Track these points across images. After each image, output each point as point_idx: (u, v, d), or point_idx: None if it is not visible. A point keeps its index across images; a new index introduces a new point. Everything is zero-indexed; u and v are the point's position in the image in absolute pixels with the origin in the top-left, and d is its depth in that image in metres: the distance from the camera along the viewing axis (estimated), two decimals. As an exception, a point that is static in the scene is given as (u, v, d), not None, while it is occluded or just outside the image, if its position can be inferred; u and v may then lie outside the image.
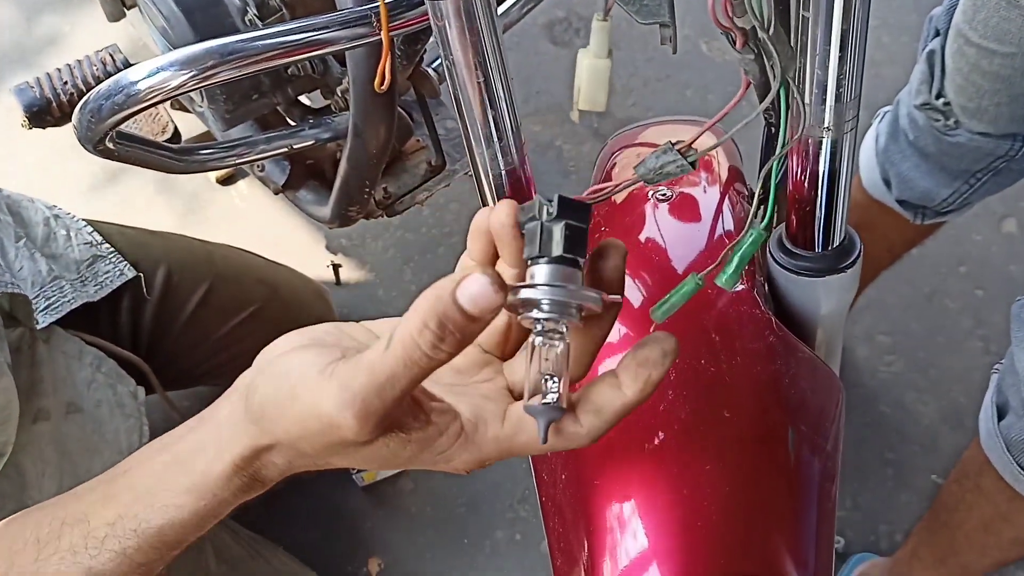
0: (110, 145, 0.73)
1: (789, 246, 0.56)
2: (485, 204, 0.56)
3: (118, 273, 1.03)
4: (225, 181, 1.80)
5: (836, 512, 0.52)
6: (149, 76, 0.63)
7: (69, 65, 1.15)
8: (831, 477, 0.51)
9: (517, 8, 0.98)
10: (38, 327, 0.92)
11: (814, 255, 0.55)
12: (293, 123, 1.10)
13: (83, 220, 1.07)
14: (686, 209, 0.62)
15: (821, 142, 0.50)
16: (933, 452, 1.33)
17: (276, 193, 1.14)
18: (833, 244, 0.55)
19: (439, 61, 1.05)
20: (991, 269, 1.51)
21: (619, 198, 0.66)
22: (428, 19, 0.47)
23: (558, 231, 0.36)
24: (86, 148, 0.71)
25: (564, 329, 0.37)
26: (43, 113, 1.15)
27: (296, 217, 1.71)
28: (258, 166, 1.14)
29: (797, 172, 0.52)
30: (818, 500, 0.49)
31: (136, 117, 1.18)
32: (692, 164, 0.42)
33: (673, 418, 0.48)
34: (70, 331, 0.96)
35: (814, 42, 0.45)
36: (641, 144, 0.73)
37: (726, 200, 0.64)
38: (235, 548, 1.11)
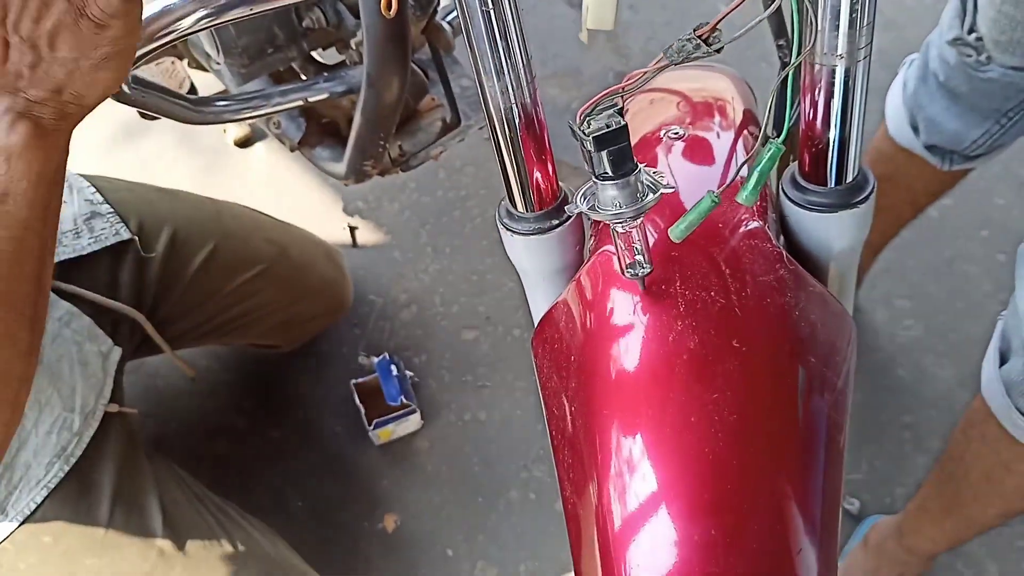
0: (126, 89, 0.73)
1: (802, 182, 0.56)
2: (496, 144, 0.56)
3: (113, 232, 1.04)
4: (243, 144, 1.80)
5: (845, 450, 0.52)
6: (160, 16, 0.63)
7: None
8: (842, 412, 0.51)
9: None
10: None
11: (827, 190, 0.54)
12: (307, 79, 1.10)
13: (84, 179, 1.08)
14: (699, 147, 0.62)
15: (834, 71, 0.49)
16: (950, 416, 1.32)
17: (292, 150, 1.15)
18: (846, 179, 0.54)
19: (454, 14, 1.04)
20: (1013, 233, 1.49)
21: (633, 139, 0.66)
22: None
23: (604, 159, 0.45)
24: (101, 92, 0.71)
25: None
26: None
27: (314, 180, 1.72)
28: (274, 123, 1.14)
29: (809, 104, 0.52)
30: (827, 431, 0.49)
31: (154, 74, 1.18)
32: (718, 50, 0.44)
33: (682, 348, 0.48)
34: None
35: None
36: (653, 90, 0.72)
37: (740, 140, 0.63)
38: (190, 515, 1.01)
